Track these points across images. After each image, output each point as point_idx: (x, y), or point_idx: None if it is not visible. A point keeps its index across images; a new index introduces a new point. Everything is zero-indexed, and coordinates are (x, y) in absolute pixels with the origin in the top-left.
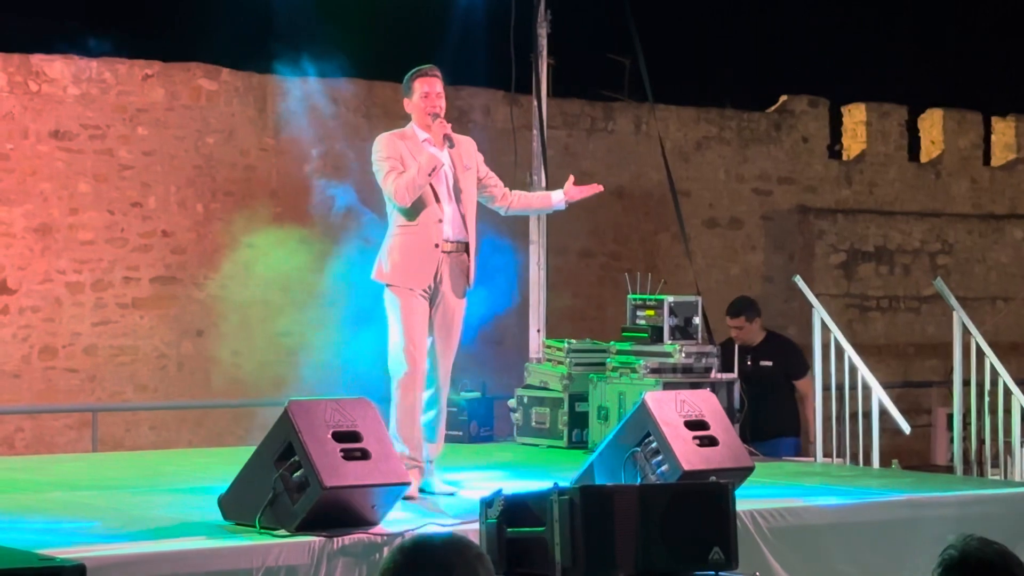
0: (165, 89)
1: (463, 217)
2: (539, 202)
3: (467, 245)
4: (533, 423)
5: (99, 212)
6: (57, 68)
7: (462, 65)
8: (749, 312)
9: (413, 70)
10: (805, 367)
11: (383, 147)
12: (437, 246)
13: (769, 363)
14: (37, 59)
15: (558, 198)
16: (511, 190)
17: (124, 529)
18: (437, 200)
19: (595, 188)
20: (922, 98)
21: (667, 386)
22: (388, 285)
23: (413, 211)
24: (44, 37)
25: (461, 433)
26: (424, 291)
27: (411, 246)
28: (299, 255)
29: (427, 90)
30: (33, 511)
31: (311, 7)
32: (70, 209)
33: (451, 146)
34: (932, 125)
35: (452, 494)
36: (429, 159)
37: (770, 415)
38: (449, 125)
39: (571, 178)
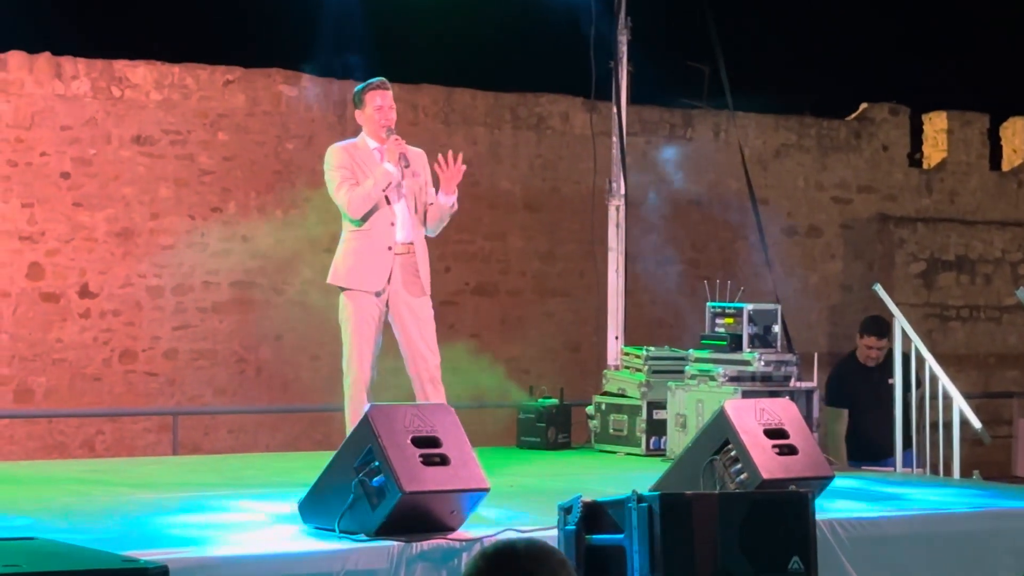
0: (246, 95)
1: (412, 220)
2: (436, 210)
3: (414, 245)
4: (611, 430)
5: (180, 217)
6: (140, 73)
7: (541, 71)
8: (891, 332)
9: (364, 83)
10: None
11: (335, 158)
12: (390, 248)
13: (893, 381)
14: (120, 65)
15: (443, 197)
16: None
17: (205, 532)
18: (388, 203)
19: (458, 169)
20: (1004, 106)
21: (746, 394)
22: (343, 289)
23: (366, 215)
24: (127, 43)
25: (539, 440)
26: (377, 293)
27: (364, 249)
28: None
29: (380, 103)
30: (115, 513)
31: (392, 14)
32: (151, 214)
33: (406, 165)
34: (1014, 133)
35: None
36: (384, 175)
37: (892, 433)
38: (403, 141)
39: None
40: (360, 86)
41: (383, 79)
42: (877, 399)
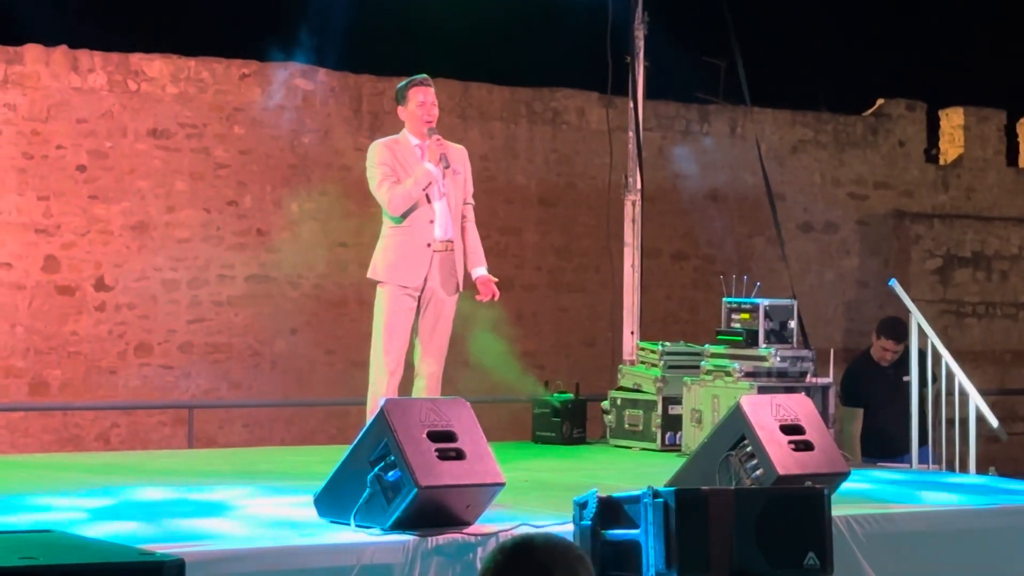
0: (262, 88)
1: (451, 218)
2: (469, 256)
3: (453, 243)
4: (626, 425)
5: (195, 210)
6: (156, 67)
7: (557, 66)
8: (908, 336)
9: (408, 79)
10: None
11: (377, 154)
12: (429, 245)
13: (908, 378)
14: (136, 58)
15: (475, 273)
16: (471, 223)
17: (221, 525)
18: (428, 200)
19: (491, 294)
20: (1021, 102)
21: (762, 390)
22: (380, 283)
23: (406, 212)
24: (143, 36)
25: (554, 434)
26: (414, 290)
27: (404, 245)
28: None
29: (423, 99)
30: (130, 506)
31: (408, 9)
32: (167, 207)
33: (446, 166)
34: None
35: None
36: (424, 174)
37: (907, 430)
38: (444, 141)
39: (493, 285)
40: (403, 82)
41: (426, 76)
42: (892, 396)
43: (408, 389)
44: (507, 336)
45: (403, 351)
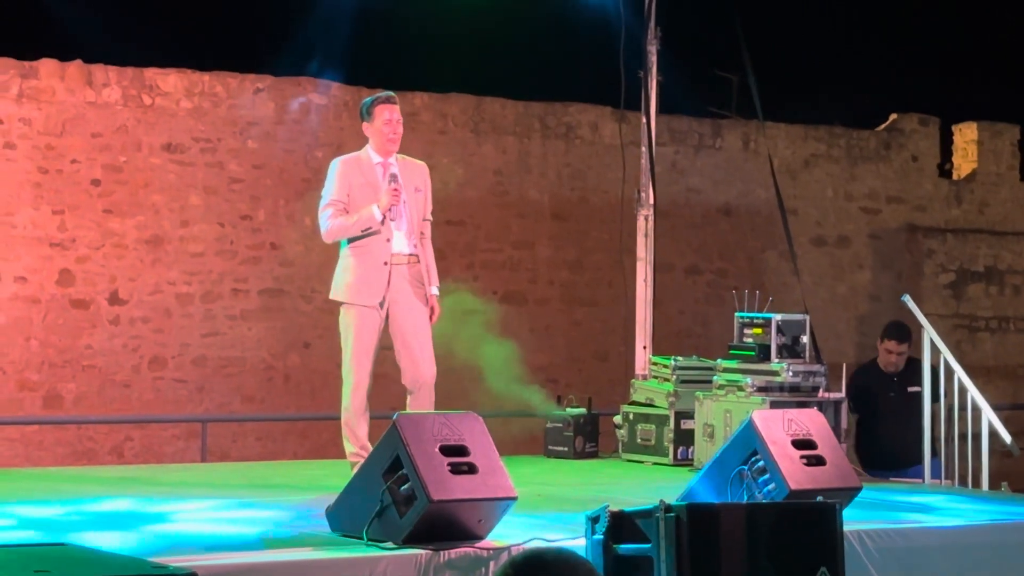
0: (275, 103)
1: (412, 233)
2: (427, 276)
3: (416, 256)
4: (639, 440)
5: (209, 224)
6: (170, 81)
7: (570, 81)
8: (911, 338)
9: (374, 96)
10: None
11: (337, 173)
12: (386, 263)
13: (918, 389)
14: (151, 72)
15: (431, 292)
16: (427, 240)
17: (234, 539)
18: (385, 221)
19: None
20: None
21: (774, 405)
22: (343, 303)
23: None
24: (158, 51)
25: (566, 449)
26: (377, 306)
27: (361, 265)
28: None
29: (388, 116)
30: (143, 519)
31: (422, 24)
32: (181, 221)
33: (392, 219)
34: None
35: None
36: (369, 218)
37: (918, 441)
38: (401, 190)
39: (436, 311)
40: (369, 99)
41: (392, 93)
42: (897, 407)
43: (379, 403)
44: (519, 350)
45: (369, 368)
